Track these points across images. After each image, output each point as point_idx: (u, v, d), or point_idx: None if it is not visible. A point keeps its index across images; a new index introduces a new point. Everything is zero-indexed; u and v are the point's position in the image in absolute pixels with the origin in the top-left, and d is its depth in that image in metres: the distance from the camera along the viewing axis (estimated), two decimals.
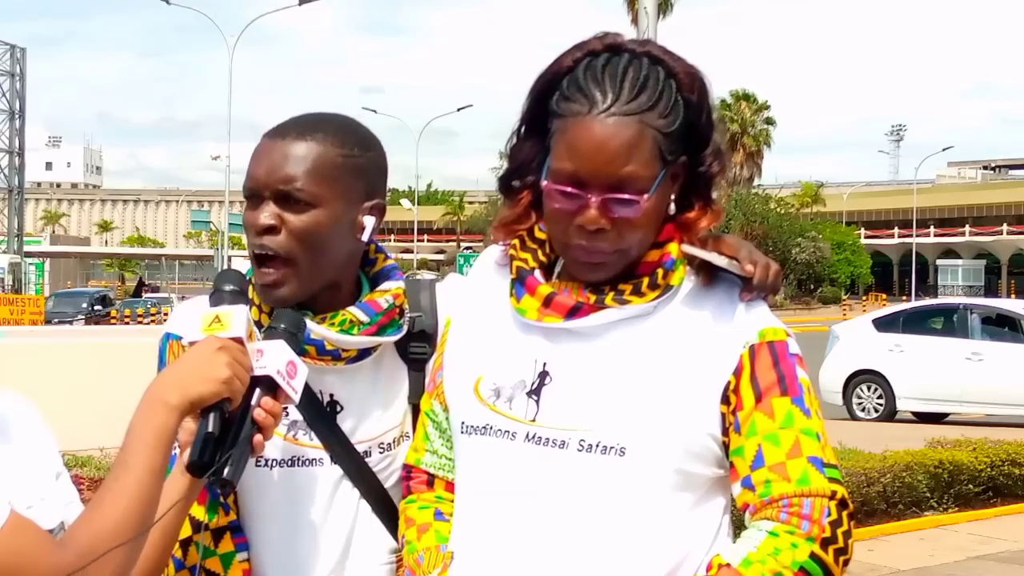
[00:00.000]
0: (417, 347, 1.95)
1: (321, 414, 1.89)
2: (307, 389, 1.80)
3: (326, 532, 1.89)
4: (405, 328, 1.94)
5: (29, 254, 53.46)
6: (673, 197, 1.72)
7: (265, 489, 1.87)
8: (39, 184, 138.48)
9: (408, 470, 1.88)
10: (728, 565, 1.56)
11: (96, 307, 38.91)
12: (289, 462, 1.87)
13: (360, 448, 1.90)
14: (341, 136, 1.87)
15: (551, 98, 1.70)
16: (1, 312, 21.49)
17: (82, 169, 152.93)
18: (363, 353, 1.90)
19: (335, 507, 1.90)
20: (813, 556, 1.55)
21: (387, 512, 1.91)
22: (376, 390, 1.93)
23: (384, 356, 1.94)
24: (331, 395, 1.90)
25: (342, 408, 1.90)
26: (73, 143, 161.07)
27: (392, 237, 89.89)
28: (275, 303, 1.85)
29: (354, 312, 1.88)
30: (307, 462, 1.88)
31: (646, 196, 1.65)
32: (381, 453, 1.92)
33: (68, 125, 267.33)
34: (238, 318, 1.64)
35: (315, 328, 1.85)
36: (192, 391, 1.54)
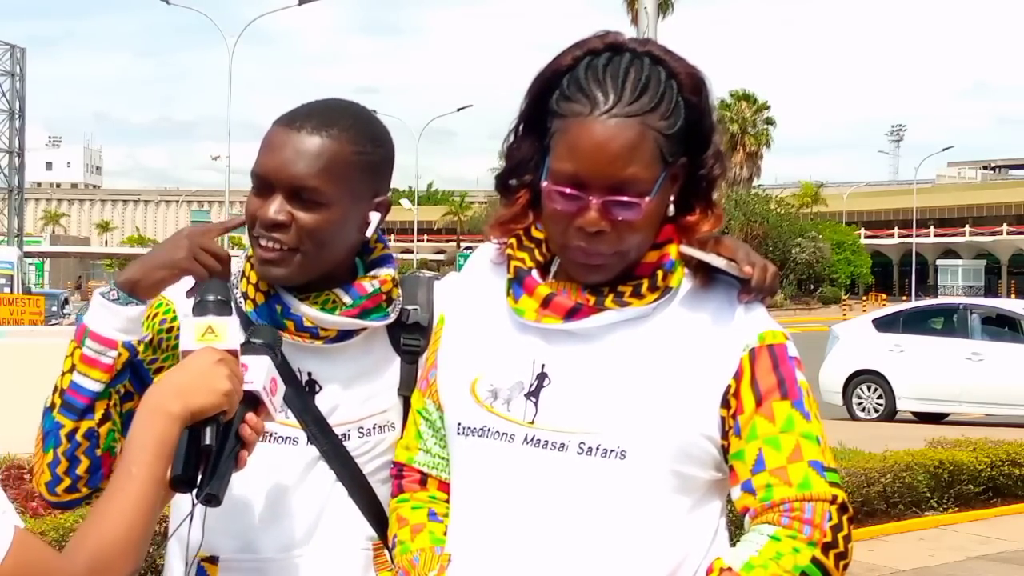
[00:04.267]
0: (410, 339, 1.95)
1: (298, 391, 1.88)
2: (285, 366, 1.80)
3: (298, 512, 1.88)
4: (393, 316, 1.94)
5: (29, 254, 53.37)
6: (672, 199, 1.71)
7: None
8: (39, 184, 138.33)
9: (399, 468, 1.86)
10: (730, 569, 1.56)
11: (64, 309, 38.17)
12: (262, 439, 1.81)
13: (338, 430, 1.89)
14: (355, 132, 1.87)
15: (550, 97, 1.69)
16: (1, 312, 21.45)
17: (82, 169, 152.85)
18: (343, 335, 1.90)
19: (308, 487, 1.88)
20: (815, 561, 1.55)
21: (364, 498, 1.90)
22: (360, 375, 1.92)
23: (374, 344, 1.94)
24: (309, 373, 1.89)
25: (320, 388, 1.89)
26: (73, 143, 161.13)
27: (392, 237, 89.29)
28: (271, 280, 1.86)
29: (338, 293, 1.89)
30: (281, 440, 1.87)
31: (647, 198, 1.64)
32: (360, 437, 1.91)
33: (68, 125, 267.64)
34: (232, 330, 1.64)
35: (295, 304, 1.86)
36: (194, 402, 1.54)
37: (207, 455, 1.57)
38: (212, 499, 1.58)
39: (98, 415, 1.84)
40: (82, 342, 1.83)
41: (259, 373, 1.65)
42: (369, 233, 1.92)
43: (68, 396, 1.83)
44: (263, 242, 1.85)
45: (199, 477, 1.57)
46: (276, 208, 1.83)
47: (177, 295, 1.94)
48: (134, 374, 1.90)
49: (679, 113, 1.66)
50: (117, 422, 1.87)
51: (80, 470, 1.84)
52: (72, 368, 1.84)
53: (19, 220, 46.78)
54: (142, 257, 1.88)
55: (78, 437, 1.83)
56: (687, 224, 1.72)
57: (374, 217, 1.91)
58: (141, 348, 1.88)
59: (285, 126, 1.86)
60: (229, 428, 1.61)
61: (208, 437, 1.56)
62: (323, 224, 1.84)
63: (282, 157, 1.83)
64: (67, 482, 1.84)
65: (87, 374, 1.83)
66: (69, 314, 37.53)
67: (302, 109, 1.89)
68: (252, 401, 1.64)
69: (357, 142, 1.86)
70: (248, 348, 1.70)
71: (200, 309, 1.69)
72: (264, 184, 1.86)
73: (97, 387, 1.83)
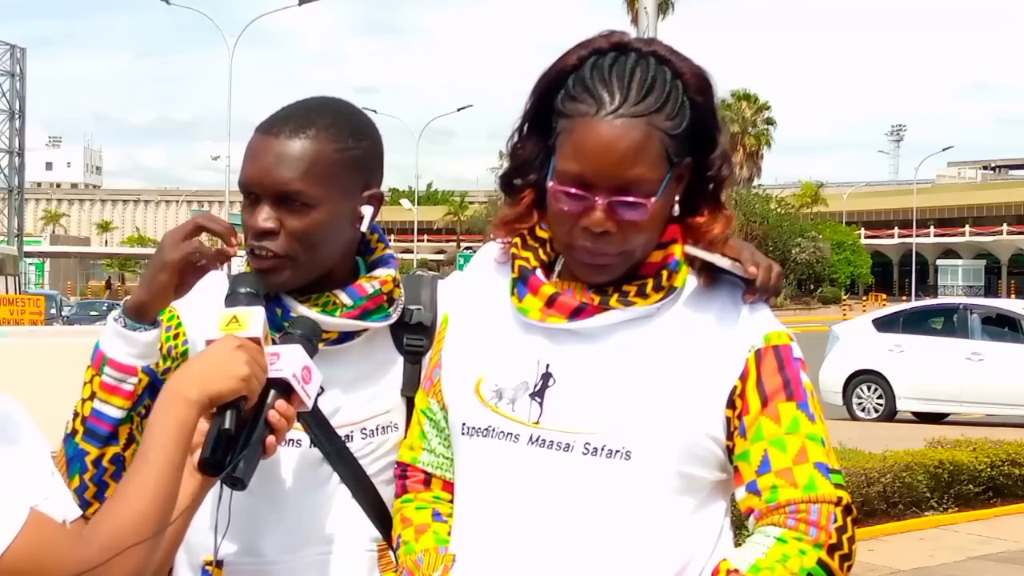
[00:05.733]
0: (414, 339, 1.95)
1: None
2: None
3: (302, 514, 1.87)
4: (394, 316, 1.93)
5: (29, 254, 53.42)
6: (677, 199, 1.71)
7: None
8: (39, 184, 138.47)
9: (403, 468, 1.86)
10: (736, 571, 1.56)
11: (63, 312, 37.85)
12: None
13: (341, 432, 1.89)
14: (335, 129, 1.85)
15: (555, 96, 1.69)
16: (1, 312, 21.45)
17: (82, 169, 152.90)
18: (345, 336, 1.89)
19: (312, 489, 1.88)
20: (820, 563, 1.55)
21: (368, 499, 1.90)
22: (362, 376, 1.92)
23: (376, 344, 1.93)
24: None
25: (323, 390, 1.87)
26: (73, 143, 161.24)
27: (392, 237, 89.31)
28: (270, 288, 1.86)
29: (338, 294, 1.88)
30: (284, 442, 1.84)
31: (653, 199, 1.64)
32: (364, 439, 1.90)
33: (67, 125, 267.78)
34: (256, 319, 1.65)
35: (296, 307, 1.85)
36: (212, 387, 1.56)
37: (230, 439, 1.58)
38: (237, 483, 1.59)
39: (122, 440, 1.85)
40: (101, 370, 1.83)
41: (290, 361, 1.66)
42: (364, 228, 1.91)
43: (91, 424, 1.84)
44: (256, 252, 1.85)
45: (228, 461, 1.58)
46: (264, 216, 1.83)
47: (181, 301, 1.94)
48: (152, 389, 1.91)
49: (684, 113, 1.66)
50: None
51: (109, 493, 1.84)
52: (92, 395, 1.84)
53: (19, 220, 46.79)
54: (140, 278, 1.89)
55: (104, 463, 1.85)
56: (695, 225, 1.72)
57: (367, 211, 1.90)
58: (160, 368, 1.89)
59: (264, 133, 1.86)
60: (259, 414, 1.62)
61: (228, 421, 1.58)
62: (313, 227, 1.83)
63: (263, 165, 1.83)
64: (96, 506, 1.84)
65: (108, 401, 1.84)
66: (68, 316, 37.41)
67: (280, 113, 1.89)
68: (284, 389, 1.65)
69: (337, 139, 1.85)
70: (286, 339, 1.71)
71: (231, 300, 1.71)
72: (250, 193, 1.86)
73: (120, 414, 1.84)
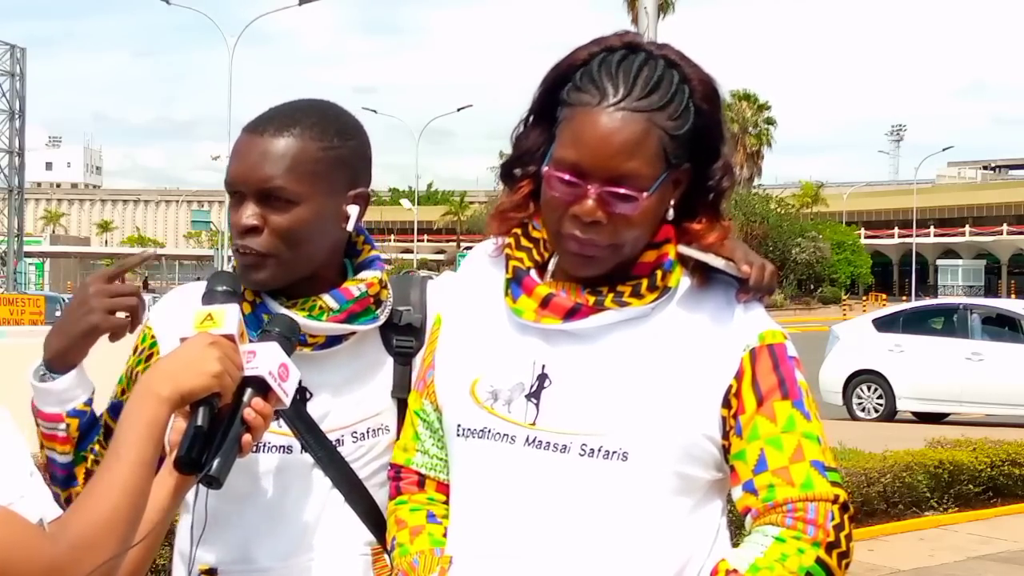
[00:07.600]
0: (403, 340, 1.94)
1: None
2: None
3: (295, 520, 1.87)
4: (382, 318, 1.92)
5: (29, 254, 53.36)
6: (673, 203, 1.70)
7: (231, 475, 1.86)
8: (39, 184, 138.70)
9: (397, 470, 1.85)
10: (735, 571, 1.55)
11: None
12: (256, 448, 1.81)
13: (331, 436, 1.88)
14: (320, 128, 1.85)
15: (562, 89, 1.69)
16: (1, 312, 21.44)
17: (82, 169, 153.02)
18: (332, 340, 1.89)
19: (304, 495, 1.88)
20: (819, 561, 1.55)
21: (361, 503, 1.89)
22: (351, 379, 1.91)
23: (365, 347, 1.93)
24: (299, 381, 1.86)
25: (311, 395, 1.88)
26: (73, 143, 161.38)
27: (392, 237, 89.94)
28: (254, 286, 1.86)
29: (324, 298, 1.87)
30: (275, 448, 1.86)
31: (645, 194, 1.64)
32: (355, 442, 1.90)
33: (67, 125, 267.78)
34: (230, 316, 1.65)
35: (282, 312, 1.85)
36: (183, 384, 1.55)
37: (203, 437, 1.58)
38: (212, 481, 1.58)
39: (81, 480, 1.92)
40: (36, 422, 1.90)
41: (266, 359, 1.66)
42: (349, 227, 1.90)
43: (50, 470, 1.92)
44: (240, 250, 1.85)
45: (204, 460, 1.58)
46: (248, 213, 1.83)
47: (157, 320, 1.95)
48: (108, 430, 1.93)
49: (688, 117, 1.66)
50: None
51: None
52: (41, 445, 1.92)
53: (19, 220, 46.73)
54: (58, 325, 1.91)
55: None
56: (691, 231, 1.71)
57: (353, 211, 1.90)
58: (123, 392, 1.93)
59: (250, 132, 1.86)
60: (236, 412, 1.62)
61: (201, 419, 1.57)
62: (296, 224, 1.83)
63: (247, 162, 1.84)
64: None
65: (53, 448, 1.92)
66: None
67: (267, 113, 1.89)
68: (261, 387, 1.65)
69: (322, 138, 1.85)
70: (263, 337, 1.71)
71: (208, 299, 1.71)
72: (235, 192, 1.86)
73: (66, 459, 1.92)
